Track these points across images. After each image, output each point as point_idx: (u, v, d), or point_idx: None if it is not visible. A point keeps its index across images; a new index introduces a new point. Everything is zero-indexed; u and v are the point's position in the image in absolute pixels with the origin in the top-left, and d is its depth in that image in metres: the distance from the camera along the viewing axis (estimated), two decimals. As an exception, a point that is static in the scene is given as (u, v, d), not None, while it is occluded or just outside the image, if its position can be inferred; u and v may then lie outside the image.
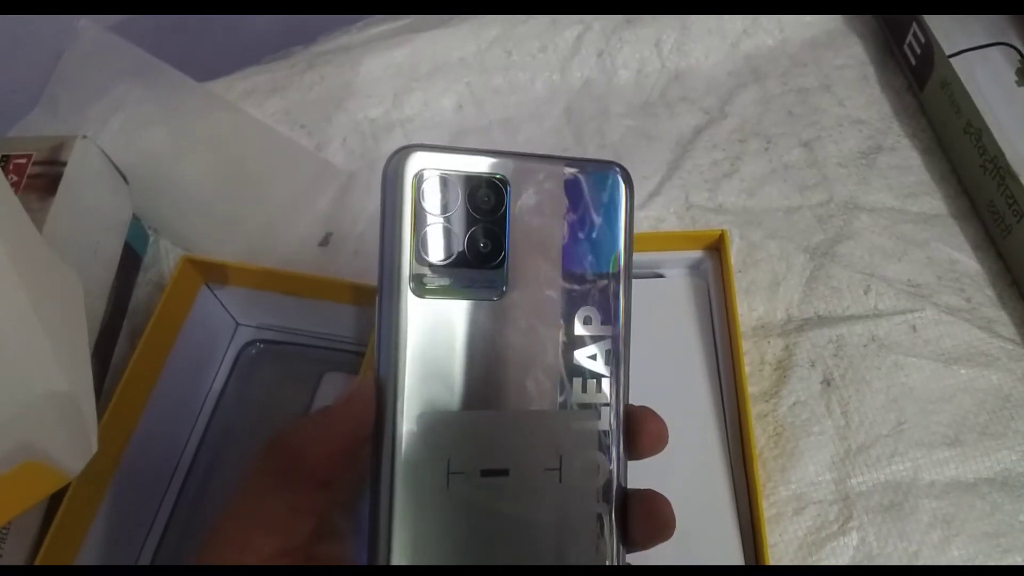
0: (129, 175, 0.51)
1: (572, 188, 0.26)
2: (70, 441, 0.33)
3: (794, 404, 0.46)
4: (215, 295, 0.47)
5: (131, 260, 0.52)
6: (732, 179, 0.55)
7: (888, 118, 0.57)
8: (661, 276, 0.48)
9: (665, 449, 0.42)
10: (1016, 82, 0.51)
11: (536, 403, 0.25)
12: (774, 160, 0.55)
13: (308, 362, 0.49)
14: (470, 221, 0.25)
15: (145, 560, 0.43)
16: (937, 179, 0.54)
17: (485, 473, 0.24)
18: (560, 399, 0.25)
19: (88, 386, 0.35)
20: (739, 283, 0.50)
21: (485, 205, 0.25)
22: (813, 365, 0.47)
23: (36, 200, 0.44)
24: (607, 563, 0.25)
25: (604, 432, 0.26)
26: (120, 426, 0.42)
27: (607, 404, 0.26)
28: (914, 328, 0.48)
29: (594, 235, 0.26)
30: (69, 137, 0.47)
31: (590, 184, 0.26)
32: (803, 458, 0.45)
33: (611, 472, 0.26)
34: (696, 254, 0.47)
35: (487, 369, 0.24)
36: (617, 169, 0.26)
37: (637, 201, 0.54)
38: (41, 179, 0.45)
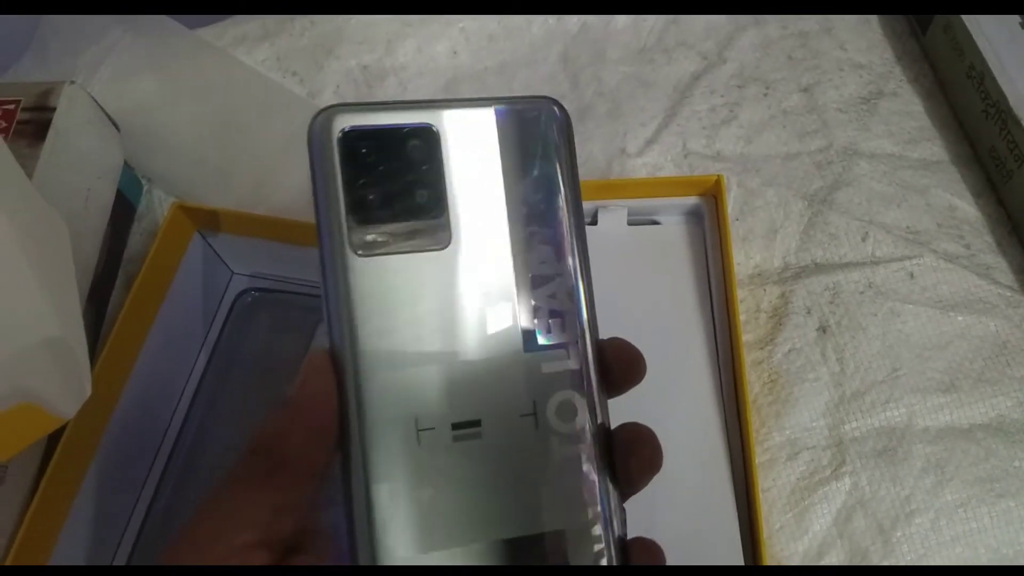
0: (121, 123, 0.50)
1: (506, 128, 0.25)
2: (64, 384, 0.34)
3: (789, 351, 0.46)
4: (208, 243, 0.47)
5: (124, 209, 0.51)
6: (730, 125, 0.54)
7: (890, 62, 0.56)
8: (657, 223, 0.47)
9: (659, 396, 0.42)
10: (1020, 24, 0.50)
11: (500, 349, 0.24)
12: (773, 106, 0.55)
13: (304, 311, 0.48)
14: (404, 174, 0.24)
15: (140, 510, 0.43)
16: (938, 125, 0.54)
17: (456, 426, 0.23)
18: (525, 342, 0.24)
19: (80, 331, 0.35)
20: (736, 231, 0.50)
21: (418, 156, 0.24)
22: (809, 312, 0.47)
23: (25, 146, 0.44)
24: (599, 503, 0.24)
25: (576, 371, 0.25)
26: (115, 371, 0.42)
27: (575, 342, 0.25)
28: (911, 275, 0.48)
29: (535, 172, 0.25)
30: (57, 83, 0.46)
31: (524, 121, 0.25)
32: (797, 404, 0.45)
33: (589, 411, 0.25)
34: (692, 200, 0.46)
35: (444, 322, 0.24)
36: (551, 102, 0.26)
37: (634, 149, 0.53)
38: (30, 125, 0.45)
